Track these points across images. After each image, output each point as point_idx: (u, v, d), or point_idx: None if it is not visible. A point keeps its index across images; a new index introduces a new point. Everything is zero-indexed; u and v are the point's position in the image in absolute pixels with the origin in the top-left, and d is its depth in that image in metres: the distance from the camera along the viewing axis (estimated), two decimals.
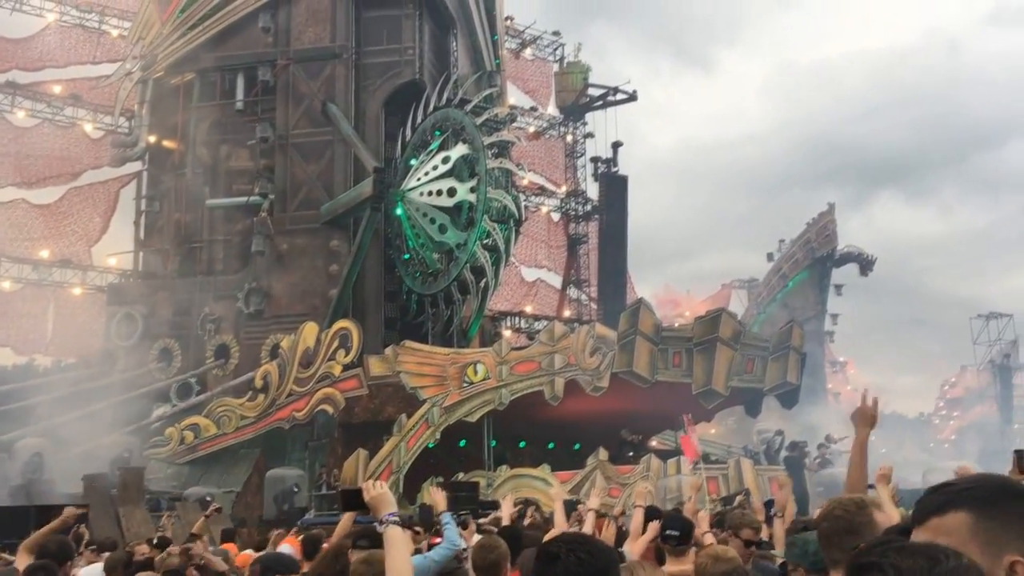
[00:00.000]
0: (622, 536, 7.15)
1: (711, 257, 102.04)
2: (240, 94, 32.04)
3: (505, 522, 6.72)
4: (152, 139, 33.17)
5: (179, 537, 12.70)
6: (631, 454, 27.86)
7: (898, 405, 66.77)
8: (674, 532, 5.62)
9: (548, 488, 23.03)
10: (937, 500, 1.62)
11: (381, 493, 3.24)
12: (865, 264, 61.09)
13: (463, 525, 6.80)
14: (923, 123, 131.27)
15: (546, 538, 5.90)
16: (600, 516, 6.60)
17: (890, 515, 5.19)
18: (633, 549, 5.84)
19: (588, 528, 6.25)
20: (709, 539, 5.54)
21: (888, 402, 63.79)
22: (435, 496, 5.83)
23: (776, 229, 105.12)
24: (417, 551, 5.30)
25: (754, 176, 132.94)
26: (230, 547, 9.58)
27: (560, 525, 6.48)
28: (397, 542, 3.12)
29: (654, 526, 5.93)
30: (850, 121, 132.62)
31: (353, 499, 3.38)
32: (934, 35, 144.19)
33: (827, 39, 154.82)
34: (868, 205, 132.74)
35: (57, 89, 37.06)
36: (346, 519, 7.11)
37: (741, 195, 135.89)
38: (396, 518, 3.19)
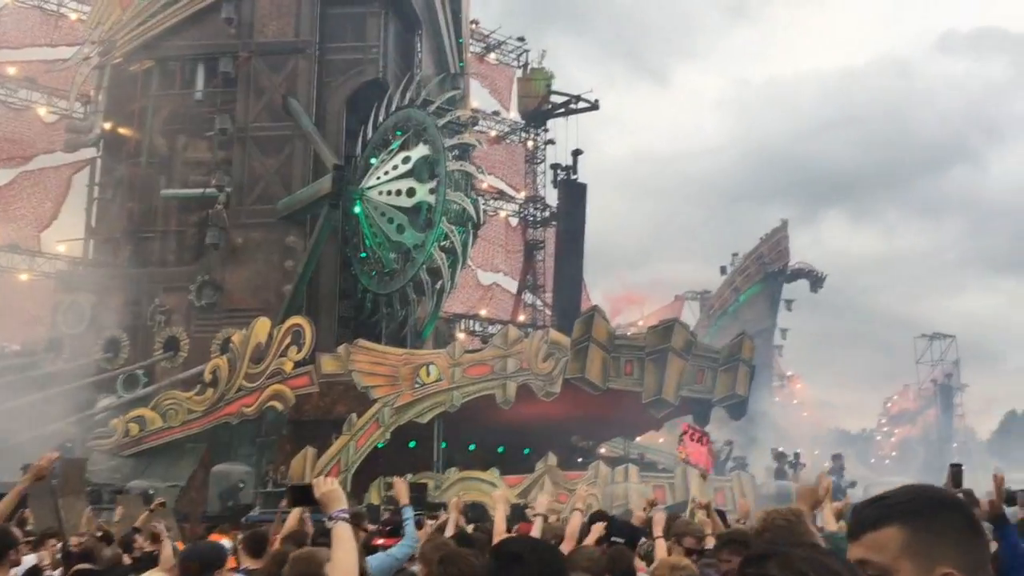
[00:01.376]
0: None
1: (661, 267, 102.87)
2: (200, 84, 31.73)
3: (451, 525, 6.73)
4: (107, 126, 32.65)
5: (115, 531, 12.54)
6: (580, 460, 28.05)
7: (841, 421, 67.98)
8: (619, 539, 5.64)
9: (494, 491, 23.09)
10: (871, 515, 1.61)
11: (332, 489, 3.23)
12: (815, 281, 62.22)
13: (418, 525, 6.82)
14: (871, 144, 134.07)
15: (495, 540, 5.94)
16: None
17: (829, 527, 5.36)
18: (568, 549, 5.86)
19: (536, 532, 6.28)
20: (661, 544, 5.58)
21: (831, 417, 64.98)
22: (398, 487, 5.74)
23: (726, 242, 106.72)
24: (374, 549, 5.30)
25: (705, 189, 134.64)
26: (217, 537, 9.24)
27: (500, 527, 6.47)
28: (345, 539, 3.13)
29: (598, 527, 5.94)
30: (801, 139, 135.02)
31: (302, 495, 3.38)
32: (885, 58, 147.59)
33: (781, 57, 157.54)
34: (815, 222, 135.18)
35: (12, 71, 36.29)
36: (293, 517, 7.10)
37: (692, 207, 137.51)
38: (346, 515, 3.19)
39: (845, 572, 1.41)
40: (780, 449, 29.86)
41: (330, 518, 3.19)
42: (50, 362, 29.66)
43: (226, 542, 8.25)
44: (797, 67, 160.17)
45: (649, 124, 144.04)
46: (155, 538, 8.33)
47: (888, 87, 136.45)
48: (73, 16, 37.01)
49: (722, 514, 9.09)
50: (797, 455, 28.32)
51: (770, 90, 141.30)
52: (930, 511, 1.57)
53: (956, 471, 3.98)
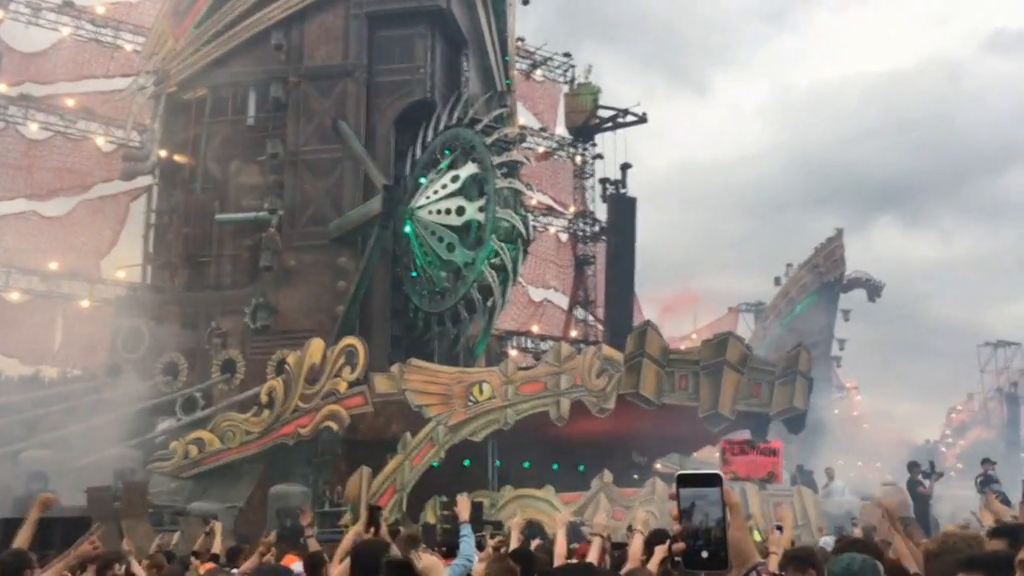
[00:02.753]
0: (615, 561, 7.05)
1: (711, 279, 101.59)
2: (251, 110, 32.20)
3: (513, 544, 6.65)
4: (163, 153, 33.31)
5: (181, 552, 12.66)
6: (636, 476, 27.76)
7: (904, 432, 66.34)
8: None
9: (552, 510, 22.92)
10: None
11: (432, 564, 3.32)
12: (873, 290, 61.23)
13: (479, 546, 6.74)
14: (922, 148, 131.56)
15: (556, 560, 5.84)
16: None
17: (899, 550, 5.18)
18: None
19: (595, 554, 6.16)
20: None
21: (894, 428, 63.53)
22: (461, 504, 5.78)
23: (775, 252, 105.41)
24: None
25: (750, 198, 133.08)
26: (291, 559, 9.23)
27: (561, 549, 6.40)
28: None
29: (661, 549, 5.82)
30: (847, 144, 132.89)
31: (404, 573, 3.42)
32: (933, 60, 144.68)
33: (824, 63, 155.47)
34: (866, 229, 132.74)
35: (70, 102, 37.29)
36: (347, 539, 7.07)
37: (738, 217, 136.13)
38: None
39: None
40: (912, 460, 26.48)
41: None
42: (110, 386, 30.19)
43: (296, 565, 8.23)
44: (841, 72, 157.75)
45: (691, 135, 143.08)
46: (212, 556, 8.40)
47: (937, 89, 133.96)
48: (128, 47, 37.93)
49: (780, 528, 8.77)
50: (932, 464, 25.74)
51: (814, 96, 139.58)
52: None
53: None
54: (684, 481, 1.99)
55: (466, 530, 5.38)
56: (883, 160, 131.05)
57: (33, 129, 36.61)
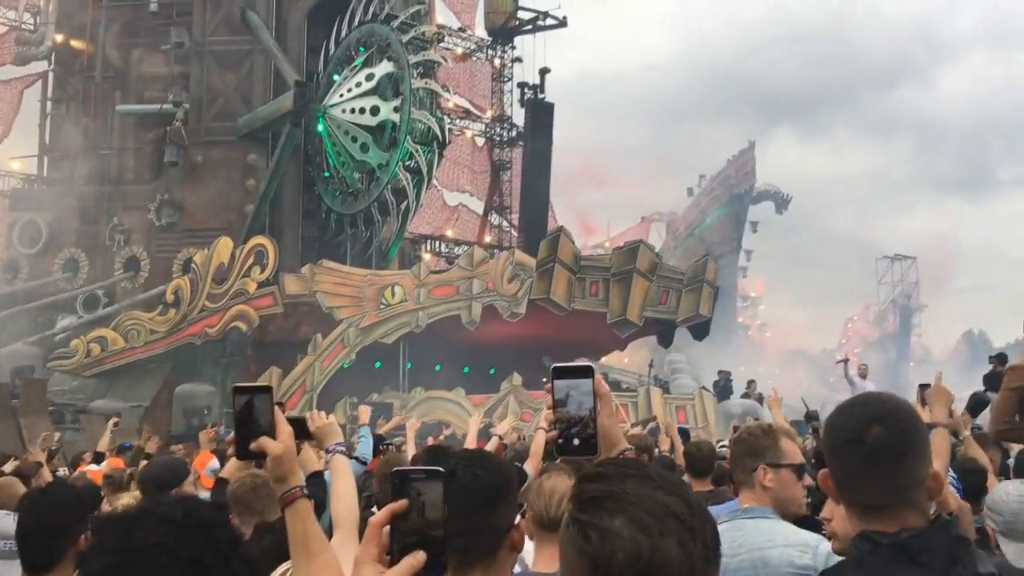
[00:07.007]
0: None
1: (621, 187, 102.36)
2: None
3: (410, 447, 6.69)
4: (59, 38, 31.57)
5: (84, 449, 12.48)
6: (544, 380, 28.26)
7: (801, 341, 69.00)
8: None
9: (462, 412, 23.30)
10: None
11: (327, 423, 3.32)
12: (781, 202, 62.75)
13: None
14: (818, 61, 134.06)
15: None
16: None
17: (784, 428, 5.49)
18: (533, 467, 5.89)
19: (490, 448, 6.29)
20: None
21: (793, 338, 66.09)
22: (361, 411, 5.90)
23: (681, 160, 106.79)
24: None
25: (656, 107, 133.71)
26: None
27: (471, 445, 6.51)
28: (343, 470, 3.21)
29: (540, 437, 5.97)
30: (747, 55, 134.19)
31: (296, 428, 3.39)
32: None
33: None
34: (765, 141, 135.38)
35: None
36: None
37: (642, 125, 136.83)
38: (343, 448, 3.30)
39: (680, 507, 1.29)
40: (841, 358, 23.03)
41: (327, 451, 3.31)
42: (7, 282, 29.24)
43: (213, 463, 8.07)
44: None
45: (593, 42, 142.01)
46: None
47: (835, 2, 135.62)
48: None
49: (685, 432, 9.26)
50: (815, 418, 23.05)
51: (715, 4, 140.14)
52: None
53: (923, 390, 3.99)
54: (559, 373, 2.10)
55: (364, 431, 5.53)
56: (781, 71, 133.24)
57: None
